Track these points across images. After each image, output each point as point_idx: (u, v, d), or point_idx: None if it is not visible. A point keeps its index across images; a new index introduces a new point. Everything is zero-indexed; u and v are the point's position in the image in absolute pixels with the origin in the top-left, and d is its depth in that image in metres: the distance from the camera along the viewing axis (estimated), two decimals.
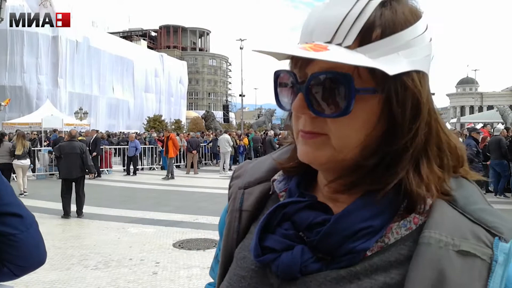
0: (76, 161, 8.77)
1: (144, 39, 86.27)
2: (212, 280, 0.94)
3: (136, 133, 26.35)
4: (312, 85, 0.59)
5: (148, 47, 78.97)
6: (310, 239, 0.61)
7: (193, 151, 17.94)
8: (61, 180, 8.93)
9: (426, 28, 0.61)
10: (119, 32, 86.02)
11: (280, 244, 0.62)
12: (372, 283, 0.57)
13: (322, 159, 0.62)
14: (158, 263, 5.96)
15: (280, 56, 0.65)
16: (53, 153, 15.17)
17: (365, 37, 0.57)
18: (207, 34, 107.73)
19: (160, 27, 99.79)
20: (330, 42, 0.58)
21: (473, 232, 0.56)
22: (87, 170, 9.02)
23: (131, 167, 17.43)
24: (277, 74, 0.66)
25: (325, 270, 0.60)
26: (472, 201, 0.61)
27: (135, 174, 17.16)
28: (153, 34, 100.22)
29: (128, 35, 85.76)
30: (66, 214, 8.76)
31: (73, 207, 8.87)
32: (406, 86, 0.58)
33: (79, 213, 8.83)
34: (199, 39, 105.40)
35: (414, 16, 0.60)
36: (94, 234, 7.66)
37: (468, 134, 13.17)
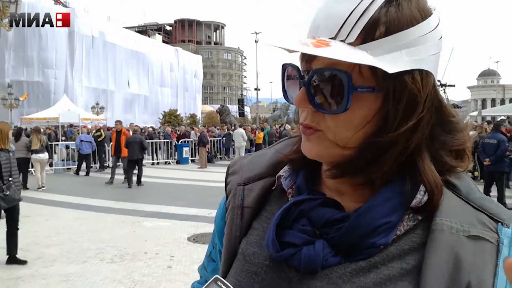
0: (138, 147, 12.46)
1: (159, 33, 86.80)
2: (198, 278, 0.94)
3: (152, 127, 26.52)
4: (313, 80, 0.60)
5: (163, 41, 79.27)
6: (330, 235, 0.62)
7: (207, 145, 18.21)
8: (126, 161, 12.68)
9: (437, 26, 0.60)
10: (134, 27, 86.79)
11: (300, 239, 0.63)
12: (390, 270, 0.59)
13: (323, 154, 0.63)
14: (172, 256, 6.00)
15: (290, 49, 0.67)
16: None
17: (368, 34, 0.57)
18: (222, 27, 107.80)
19: (175, 21, 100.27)
20: (334, 38, 0.59)
21: (478, 218, 0.60)
22: (145, 151, 13.60)
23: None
24: (284, 68, 0.67)
25: (344, 263, 0.62)
26: (472, 190, 0.65)
27: (88, 175, 15.10)
28: (168, 28, 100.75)
29: (143, 30, 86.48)
30: (129, 183, 12.26)
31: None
32: (405, 85, 0.58)
33: (139, 183, 12.59)
34: (214, 32, 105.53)
35: (422, 13, 0.59)
36: (110, 227, 7.74)
37: (492, 128, 12.85)
